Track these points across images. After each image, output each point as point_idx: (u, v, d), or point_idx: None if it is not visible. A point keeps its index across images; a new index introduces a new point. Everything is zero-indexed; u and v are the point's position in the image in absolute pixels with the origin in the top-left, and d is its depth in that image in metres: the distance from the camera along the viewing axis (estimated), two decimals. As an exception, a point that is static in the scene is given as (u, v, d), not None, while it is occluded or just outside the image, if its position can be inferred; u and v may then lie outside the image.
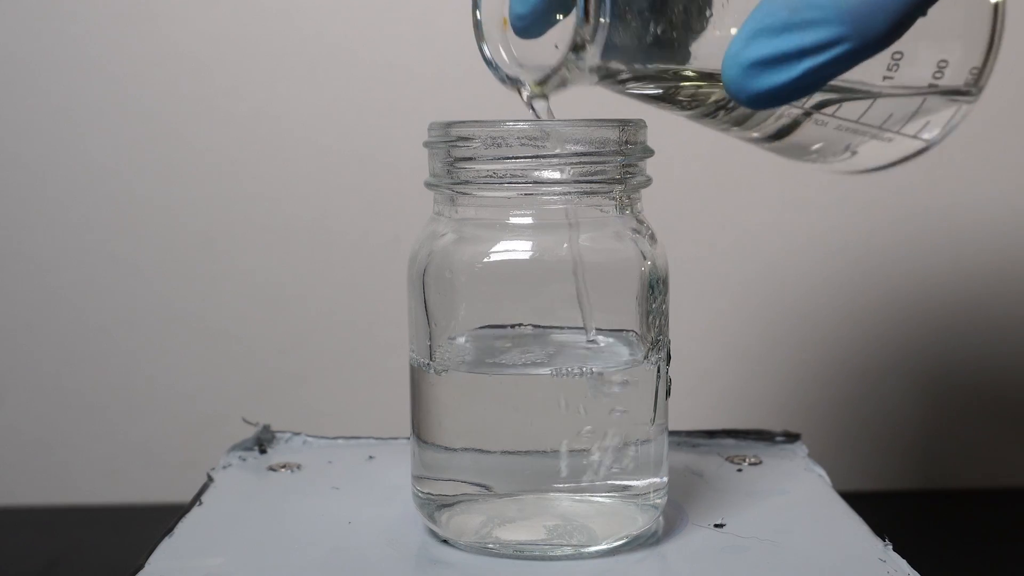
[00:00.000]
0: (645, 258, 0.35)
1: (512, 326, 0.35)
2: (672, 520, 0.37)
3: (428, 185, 0.36)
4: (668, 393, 0.36)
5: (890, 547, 0.34)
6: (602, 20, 0.32)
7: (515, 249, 0.34)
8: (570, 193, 0.34)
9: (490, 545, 0.34)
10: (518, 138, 0.33)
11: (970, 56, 0.34)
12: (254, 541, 0.36)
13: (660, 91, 0.35)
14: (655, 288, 0.35)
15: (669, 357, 0.36)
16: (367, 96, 0.63)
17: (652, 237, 0.36)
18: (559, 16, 0.34)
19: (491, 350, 0.35)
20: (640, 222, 0.36)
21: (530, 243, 0.34)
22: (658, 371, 0.35)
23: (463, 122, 0.34)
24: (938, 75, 0.34)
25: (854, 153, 0.36)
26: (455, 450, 0.35)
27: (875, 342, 0.65)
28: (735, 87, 0.31)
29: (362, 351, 0.65)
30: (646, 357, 0.35)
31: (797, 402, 0.65)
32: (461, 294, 0.35)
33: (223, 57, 0.63)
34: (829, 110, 0.34)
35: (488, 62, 0.36)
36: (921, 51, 0.33)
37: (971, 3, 0.34)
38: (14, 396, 0.65)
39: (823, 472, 0.42)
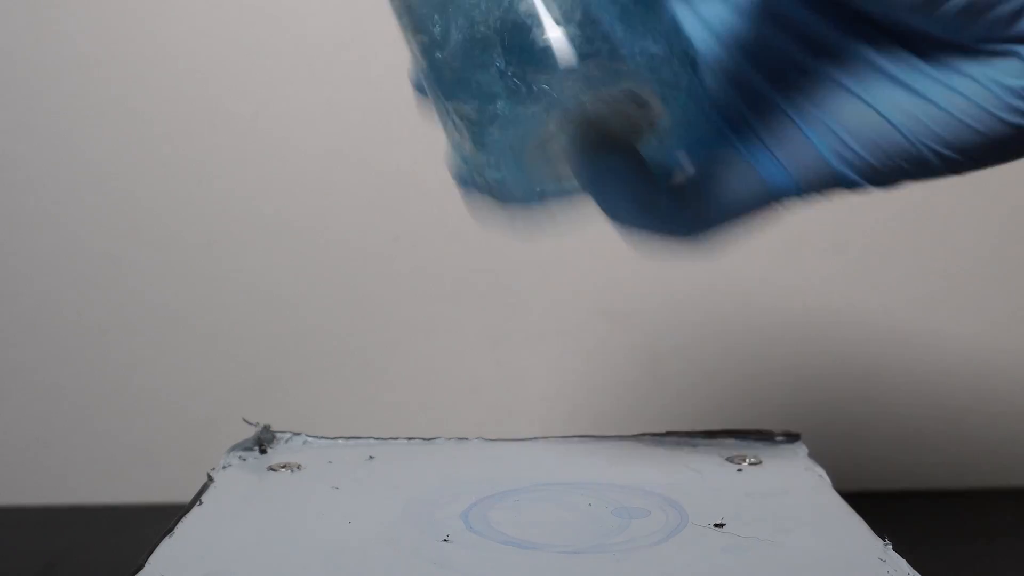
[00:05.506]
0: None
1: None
2: (672, 520, 0.37)
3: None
4: None
5: (890, 547, 0.34)
6: None
7: None
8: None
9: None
10: None
11: None
12: (254, 541, 0.36)
13: None
14: None
15: None
16: (366, 96, 0.63)
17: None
18: None
19: None
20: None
21: None
22: None
23: None
24: None
25: None
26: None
27: (875, 342, 0.65)
28: None
29: (362, 351, 0.65)
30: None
31: (797, 402, 0.65)
32: None
33: (220, 58, 0.62)
34: None
35: None
36: None
37: None
38: (14, 396, 0.65)
39: (823, 472, 0.42)
